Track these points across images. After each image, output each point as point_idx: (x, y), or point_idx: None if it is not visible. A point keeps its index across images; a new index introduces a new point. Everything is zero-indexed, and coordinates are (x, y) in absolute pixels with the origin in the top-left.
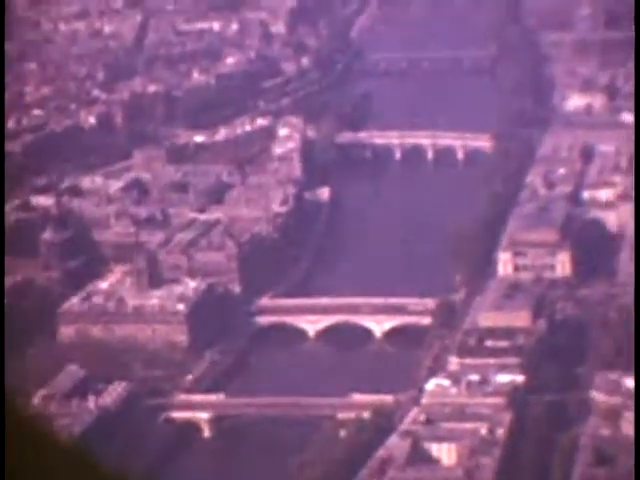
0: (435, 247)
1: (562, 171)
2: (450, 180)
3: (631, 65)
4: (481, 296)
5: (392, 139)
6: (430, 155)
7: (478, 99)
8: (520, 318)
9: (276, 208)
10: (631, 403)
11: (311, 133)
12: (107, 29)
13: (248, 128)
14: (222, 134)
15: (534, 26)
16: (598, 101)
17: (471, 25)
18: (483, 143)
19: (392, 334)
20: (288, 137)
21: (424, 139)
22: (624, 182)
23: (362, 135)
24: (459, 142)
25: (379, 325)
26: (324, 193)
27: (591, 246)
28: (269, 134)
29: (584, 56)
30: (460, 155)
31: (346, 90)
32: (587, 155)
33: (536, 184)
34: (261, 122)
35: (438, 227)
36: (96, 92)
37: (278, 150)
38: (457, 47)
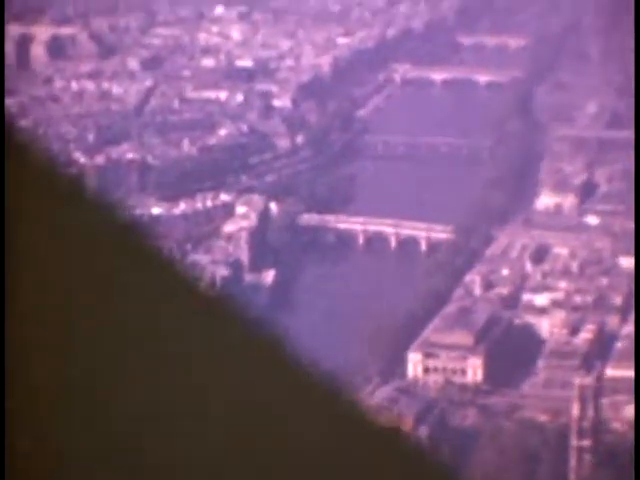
0: (355, 338)
1: (505, 272)
2: (403, 271)
3: (620, 166)
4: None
5: (356, 225)
6: (393, 244)
7: (463, 189)
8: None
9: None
10: None
11: (275, 212)
12: (115, 91)
13: (209, 204)
14: (180, 208)
15: (545, 119)
16: (568, 201)
17: (486, 112)
18: (448, 235)
19: None
20: (244, 216)
21: (388, 227)
22: (567, 288)
23: (328, 218)
24: (423, 233)
25: None
26: (268, 276)
27: (512, 353)
28: (228, 211)
29: (578, 153)
30: (423, 246)
31: (333, 171)
32: (539, 257)
33: (474, 283)
34: (224, 198)
35: (368, 318)
36: (77, 155)
37: (228, 228)
38: (464, 134)
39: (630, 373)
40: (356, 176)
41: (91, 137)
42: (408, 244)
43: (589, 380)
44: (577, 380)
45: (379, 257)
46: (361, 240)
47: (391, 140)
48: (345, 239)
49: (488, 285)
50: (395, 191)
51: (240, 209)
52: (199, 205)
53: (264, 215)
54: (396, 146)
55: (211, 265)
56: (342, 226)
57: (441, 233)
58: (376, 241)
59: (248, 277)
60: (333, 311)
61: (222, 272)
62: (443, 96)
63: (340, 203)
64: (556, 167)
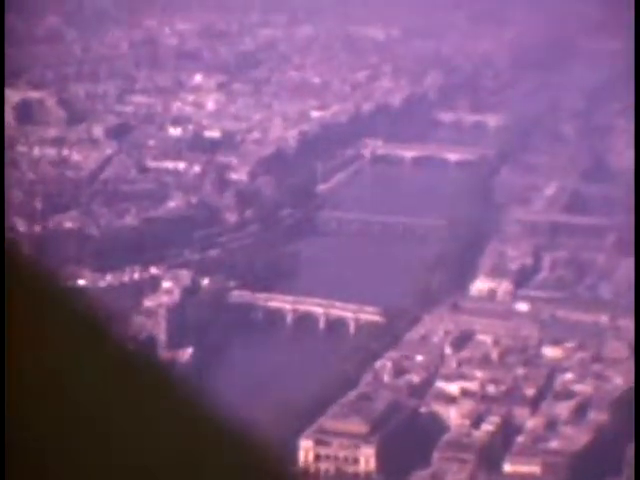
0: (255, 422)
1: (420, 358)
2: (326, 353)
3: (566, 253)
4: None
5: (286, 304)
6: (322, 324)
7: (408, 270)
8: None
9: None
10: None
11: (204, 288)
12: (74, 158)
13: (136, 277)
14: (106, 281)
15: (503, 200)
16: (503, 287)
17: (449, 191)
18: (377, 317)
19: None
20: (167, 291)
21: (317, 307)
22: (482, 377)
23: (259, 296)
24: (351, 314)
25: None
26: (185, 354)
27: (412, 443)
28: (155, 286)
29: (527, 237)
30: (352, 328)
31: (278, 247)
32: (460, 343)
33: (384, 369)
34: (154, 272)
35: (274, 402)
36: (19, 223)
37: (148, 304)
38: (424, 213)
39: (527, 468)
40: (299, 254)
41: (38, 205)
42: (337, 325)
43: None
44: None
45: (306, 337)
46: (290, 319)
47: (346, 217)
48: (274, 318)
49: (399, 371)
50: (337, 270)
51: (165, 284)
52: (126, 278)
53: (189, 291)
54: (350, 223)
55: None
56: (272, 305)
57: (370, 315)
58: (305, 321)
59: (163, 354)
60: (240, 391)
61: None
62: (411, 174)
63: (278, 280)
64: (500, 251)
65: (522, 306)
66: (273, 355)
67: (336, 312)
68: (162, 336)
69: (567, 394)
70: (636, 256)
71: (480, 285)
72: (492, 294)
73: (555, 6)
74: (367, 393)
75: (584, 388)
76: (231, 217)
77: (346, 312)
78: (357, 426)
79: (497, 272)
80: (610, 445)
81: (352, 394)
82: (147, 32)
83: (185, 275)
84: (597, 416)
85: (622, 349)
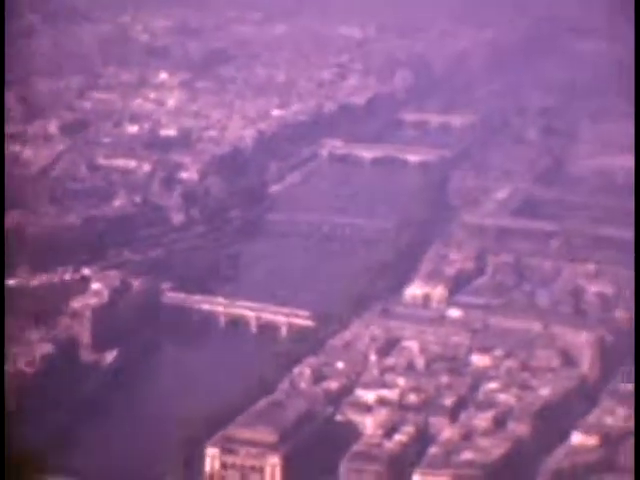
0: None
1: (341, 365)
2: (254, 356)
3: (511, 258)
4: None
5: (219, 307)
6: (254, 328)
7: (348, 273)
8: None
9: (27, 369)
10: None
11: (136, 290)
12: (25, 155)
13: (67, 277)
14: (37, 281)
15: (455, 203)
16: (438, 292)
17: (405, 193)
18: (308, 322)
19: None
20: (96, 292)
21: (249, 311)
22: (404, 385)
23: (193, 298)
24: (283, 319)
25: None
26: (109, 356)
27: (324, 452)
28: (84, 287)
29: (473, 240)
30: (284, 332)
31: (221, 248)
32: (386, 350)
33: (302, 375)
34: (85, 272)
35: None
36: None
37: (75, 305)
38: (375, 214)
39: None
40: (241, 255)
41: None
42: (268, 329)
43: None
44: None
45: (237, 341)
46: (222, 322)
47: (294, 219)
48: (207, 321)
49: (318, 378)
50: (276, 273)
51: (94, 285)
52: (56, 279)
53: (119, 292)
54: (298, 225)
55: (38, 342)
56: (206, 307)
57: (302, 319)
58: (237, 324)
59: (86, 356)
60: (159, 393)
61: (46, 350)
62: (369, 175)
63: (216, 283)
64: (442, 254)
65: (454, 312)
66: (200, 358)
67: (268, 316)
68: (86, 338)
69: (489, 404)
70: (636, 257)
71: (414, 290)
72: (427, 299)
73: (536, 8)
74: (280, 400)
75: (507, 398)
76: (176, 217)
77: (278, 316)
78: (265, 434)
79: (433, 277)
80: (526, 457)
81: (264, 401)
82: (119, 28)
83: (115, 276)
84: (516, 427)
85: (552, 358)
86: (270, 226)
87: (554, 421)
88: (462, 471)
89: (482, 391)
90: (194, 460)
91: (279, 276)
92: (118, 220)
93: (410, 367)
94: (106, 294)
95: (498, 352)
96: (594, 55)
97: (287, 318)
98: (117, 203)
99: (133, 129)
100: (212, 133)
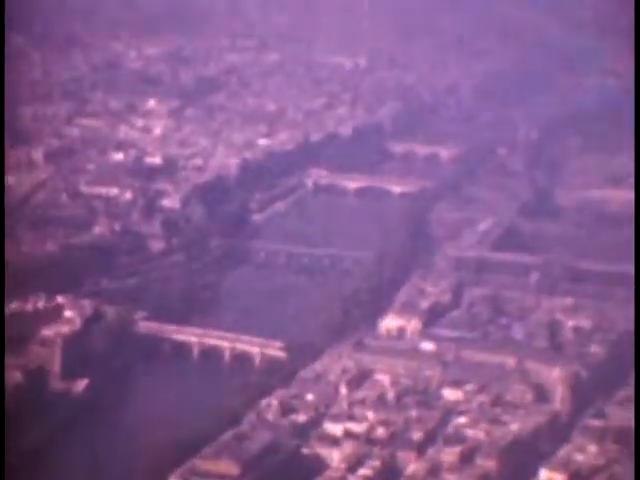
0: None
1: (310, 397)
2: (226, 387)
3: (488, 290)
4: None
5: (193, 337)
6: (227, 358)
7: (326, 304)
8: None
9: None
10: None
11: (110, 318)
12: (9, 182)
13: (40, 305)
14: (10, 309)
15: (437, 234)
16: (412, 325)
17: (388, 223)
18: (282, 353)
19: None
20: (69, 320)
21: (223, 341)
22: (373, 418)
23: (167, 328)
24: (257, 349)
25: None
26: (79, 385)
27: None
28: (57, 314)
29: (446, 272)
30: (257, 362)
31: (197, 278)
32: (357, 382)
33: (270, 407)
34: (58, 300)
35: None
36: None
37: (46, 333)
38: (352, 246)
39: None
40: (219, 285)
41: None
42: (242, 359)
43: None
44: None
45: (210, 371)
46: (196, 352)
47: (274, 249)
48: (180, 351)
49: (286, 410)
50: (252, 303)
51: (67, 313)
52: (29, 306)
53: (91, 320)
54: (278, 255)
55: (8, 370)
56: (179, 337)
57: (275, 350)
58: (211, 354)
59: (56, 384)
60: (127, 423)
61: (16, 378)
62: (352, 205)
63: (192, 312)
64: (419, 287)
65: (428, 345)
66: (171, 388)
67: (242, 346)
68: (56, 366)
69: (458, 438)
70: (636, 257)
71: (389, 322)
72: (401, 332)
73: (529, 39)
74: (245, 432)
75: (476, 433)
76: (156, 245)
77: (252, 346)
78: (228, 466)
79: (408, 309)
80: None
81: (230, 433)
82: (112, 55)
83: (89, 304)
84: (484, 462)
85: (525, 393)
86: (250, 256)
87: (523, 456)
88: None
89: (451, 425)
90: None
91: (255, 306)
92: (97, 248)
93: (380, 400)
94: (78, 322)
95: (470, 386)
96: (585, 87)
97: (260, 349)
98: (97, 231)
99: (118, 156)
100: (197, 161)
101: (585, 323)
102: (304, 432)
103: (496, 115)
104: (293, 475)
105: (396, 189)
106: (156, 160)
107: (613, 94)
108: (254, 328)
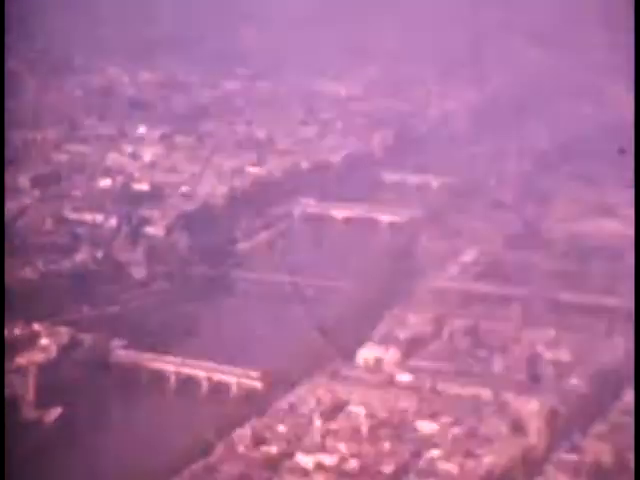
0: None
1: (283, 428)
2: (203, 417)
3: (469, 322)
4: None
5: (170, 366)
6: (204, 388)
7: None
8: None
9: None
10: None
11: (86, 346)
12: None
13: (17, 332)
14: None
15: (420, 265)
16: (390, 356)
17: (373, 253)
18: (258, 383)
19: None
20: (44, 348)
21: (200, 371)
22: (345, 450)
23: (144, 357)
24: (234, 379)
25: None
26: (52, 414)
27: None
28: (33, 342)
29: (433, 304)
30: (234, 391)
31: (178, 307)
32: (331, 414)
33: (241, 438)
34: (34, 327)
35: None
36: None
37: (20, 361)
38: (336, 276)
39: None
40: (198, 314)
41: None
42: (219, 389)
43: None
44: None
45: (186, 401)
46: (173, 382)
47: (257, 278)
48: (157, 380)
49: (258, 442)
50: (230, 333)
51: (43, 340)
52: (5, 333)
53: (66, 349)
54: (260, 285)
55: None
56: (156, 366)
57: (252, 380)
58: (188, 384)
59: (28, 413)
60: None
61: None
62: (339, 235)
63: (170, 341)
64: (399, 317)
65: (405, 377)
66: (146, 418)
67: (220, 376)
68: (30, 394)
69: (430, 472)
70: (636, 256)
71: (367, 353)
72: (379, 362)
73: (530, 66)
74: (214, 464)
75: (449, 467)
76: (138, 273)
77: (229, 376)
78: None
79: (387, 340)
80: None
81: (200, 464)
82: (105, 80)
83: (65, 332)
84: None
85: (501, 426)
86: (233, 285)
87: None
88: None
89: (424, 458)
90: None
91: (234, 336)
92: (77, 275)
93: (354, 432)
94: (54, 350)
95: (445, 419)
96: (579, 118)
97: (238, 378)
98: (78, 257)
99: (105, 183)
100: (184, 189)
101: (565, 356)
102: (275, 464)
103: (489, 144)
104: None
105: (385, 219)
106: (143, 187)
107: (609, 123)
108: (233, 358)
